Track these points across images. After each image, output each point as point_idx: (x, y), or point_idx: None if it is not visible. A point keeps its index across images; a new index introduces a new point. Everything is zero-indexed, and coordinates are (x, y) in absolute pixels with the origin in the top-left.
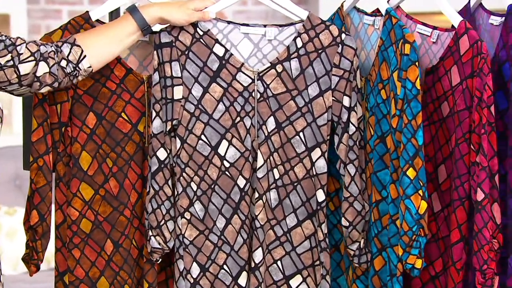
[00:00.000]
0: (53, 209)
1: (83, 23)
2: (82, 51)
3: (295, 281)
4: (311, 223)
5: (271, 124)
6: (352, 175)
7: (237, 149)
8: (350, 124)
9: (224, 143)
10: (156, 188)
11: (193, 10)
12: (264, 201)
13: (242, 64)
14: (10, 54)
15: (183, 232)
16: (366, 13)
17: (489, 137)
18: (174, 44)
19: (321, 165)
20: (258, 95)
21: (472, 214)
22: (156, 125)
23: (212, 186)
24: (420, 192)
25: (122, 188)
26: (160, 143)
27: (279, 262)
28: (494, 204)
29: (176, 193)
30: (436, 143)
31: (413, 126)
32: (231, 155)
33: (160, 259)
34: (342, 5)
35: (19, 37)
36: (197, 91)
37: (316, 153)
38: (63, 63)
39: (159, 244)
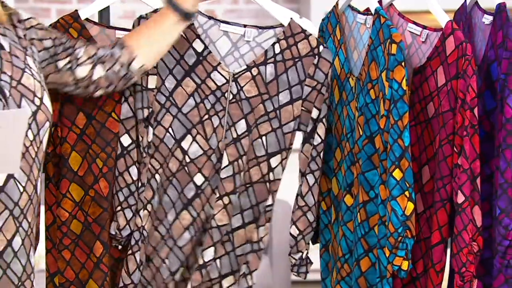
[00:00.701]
0: (42, 210)
1: (72, 22)
2: (132, 52)
3: (227, 281)
4: (254, 227)
5: (241, 127)
6: (311, 185)
7: (200, 146)
8: (316, 135)
9: (188, 138)
10: (116, 174)
11: None
12: (226, 203)
13: (219, 64)
14: (68, 58)
15: (143, 224)
16: (359, 12)
17: (472, 139)
18: None
19: (278, 172)
20: (231, 96)
21: (453, 216)
22: (124, 110)
23: (170, 179)
24: (407, 193)
25: (112, 188)
26: (126, 129)
27: (218, 261)
28: (475, 207)
29: (141, 184)
30: (421, 144)
31: (399, 126)
32: (193, 151)
33: (120, 246)
34: (337, 3)
35: (79, 39)
36: (170, 83)
37: (276, 159)
38: (116, 67)
39: (114, 230)
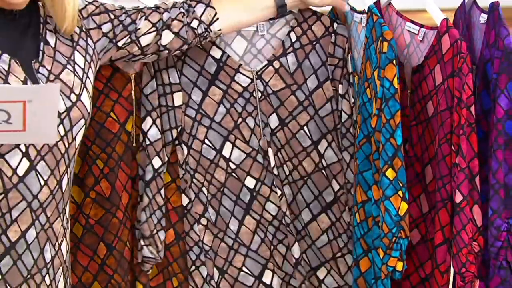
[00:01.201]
0: None
1: None
2: (216, 13)
3: (321, 273)
4: (326, 217)
5: (274, 121)
6: (348, 162)
7: (241, 150)
8: (342, 112)
9: (228, 145)
10: (150, 196)
11: None
12: (290, 199)
13: (240, 65)
14: (128, 34)
15: (202, 239)
16: (356, 11)
17: (470, 138)
18: None
19: (330, 155)
20: (259, 94)
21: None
22: (153, 133)
23: (221, 189)
24: (400, 193)
25: (114, 189)
26: (156, 151)
27: (304, 255)
28: (474, 206)
29: (188, 200)
30: (423, 144)
31: (391, 125)
32: (235, 156)
33: (151, 270)
34: None
35: (140, 10)
36: (196, 95)
37: (323, 145)
38: (195, 23)
39: (151, 253)
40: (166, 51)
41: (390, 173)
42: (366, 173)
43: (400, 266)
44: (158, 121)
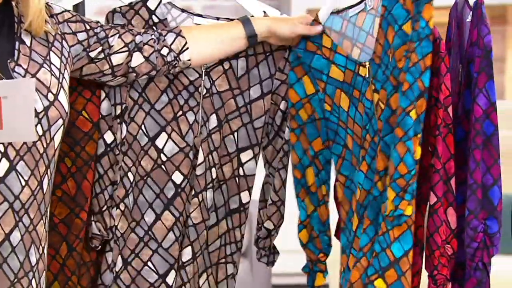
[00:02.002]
0: None
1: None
2: (186, 43)
3: (201, 279)
4: (225, 223)
5: (213, 121)
6: (283, 179)
7: (176, 143)
8: (287, 128)
9: (163, 136)
10: (101, 172)
11: (300, 23)
12: (200, 200)
13: None
14: (101, 47)
15: (116, 224)
16: (349, 8)
17: (446, 139)
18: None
19: (251, 167)
20: (204, 91)
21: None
22: (104, 106)
23: (145, 178)
24: (419, 135)
25: (79, 189)
26: (108, 125)
27: (195, 260)
28: (449, 208)
29: (116, 182)
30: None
31: (421, 66)
32: (169, 149)
33: (100, 246)
34: (317, 15)
35: (114, 27)
36: (142, 78)
37: (247, 154)
38: (164, 51)
39: (99, 230)
40: (134, 74)
41: (413, 114)
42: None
43: (409, 210)
44: (110, 95)
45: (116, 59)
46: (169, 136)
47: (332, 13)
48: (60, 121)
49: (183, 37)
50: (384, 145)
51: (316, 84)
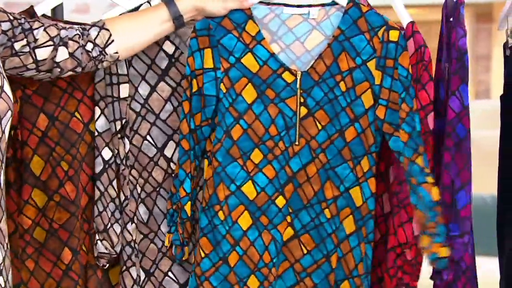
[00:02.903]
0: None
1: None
2: (111, 35)
3: None
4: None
5: None
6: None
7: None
8: None
9: (171, 145)
10: (102, 189)
11: None
12: None
13: None
14: (26, 39)
15: (134, 238)
16: (287, 5)
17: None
18: None
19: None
20: None
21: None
22: (101, 123)
23: (157, 189)
24: (431, 180)
25: (78, 192)
26: (105, 142)
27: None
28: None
29: (124, 197)
30: (386, 143)
31: (416, 115)
32: (178, 157)
33: (108, 265)
34: None
35: (37, 20)
36: (144, 89)
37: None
38: (89, 46)
39: (106, 248)
40: (59, 70)
41: (420, 161)
42: (338, 168)
43: (444, 252)
44: (106, 111)
45: (41, 53)
46: (178, 144)
47: (261, 2)
48: (9, 113)
49: (107, 29)
50: (334, 175)
51: (219, 61)
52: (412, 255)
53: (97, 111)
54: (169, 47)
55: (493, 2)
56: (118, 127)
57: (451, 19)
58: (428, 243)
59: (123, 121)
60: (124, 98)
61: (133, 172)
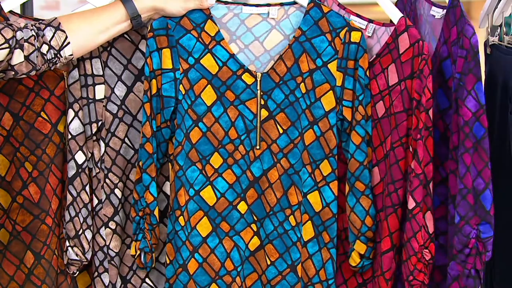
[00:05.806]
0: None
1: None
2: (66, 37)
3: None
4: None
5: None
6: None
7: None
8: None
9: None
10: (74, 194)
11: None
12: None
13: None
14: None
15: (107, 243)
16: (246, 4)
17: (426, 142)
18: None
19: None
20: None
21: (405, 222)
22: (75, 126)
23: None
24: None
25: (43, 194)
26: (79, 145)
27: None
28: (427, 212)
29: (97, 201)
30: (370, 144)
31: (365, 118)
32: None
33: (78, 272)
34: None
35: None
36: (120, 90)
37: None
38: (44, 48)
39: (77, 255)
40: (13, 73)
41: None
42: (301, 173)
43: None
44: (80, 114)
45: None
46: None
47: (219, 1)
48: None
49: (63, 30)
50: (298, 180)
51: (178, 62)
52: (430, 255)
53: (71, 113)
54: (145, 47)
55: (471, 0)
56: (94, 130)
57: (437, 16)
58: (365, 250)
59: (99, 123)
60: (100, 100)
61: (111, 176)
